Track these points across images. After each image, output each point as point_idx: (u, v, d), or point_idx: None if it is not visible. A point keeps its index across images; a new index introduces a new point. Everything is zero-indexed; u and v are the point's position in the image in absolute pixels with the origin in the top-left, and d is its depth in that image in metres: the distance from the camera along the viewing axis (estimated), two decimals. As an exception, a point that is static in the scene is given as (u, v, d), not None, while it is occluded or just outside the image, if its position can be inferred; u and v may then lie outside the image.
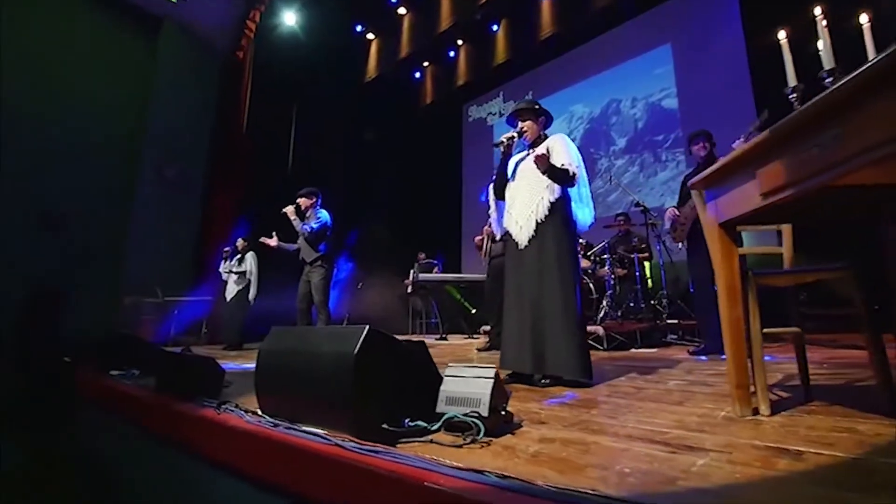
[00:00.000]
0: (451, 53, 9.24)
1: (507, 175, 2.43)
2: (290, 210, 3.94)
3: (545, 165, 2.14)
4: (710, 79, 6.37)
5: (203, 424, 1.52)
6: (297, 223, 3.97)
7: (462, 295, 7.90)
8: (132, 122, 7.15)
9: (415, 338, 7.04)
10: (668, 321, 4.42)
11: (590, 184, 7.85)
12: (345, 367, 1.14)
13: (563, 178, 2.18)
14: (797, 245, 1.84)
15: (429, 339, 6.39)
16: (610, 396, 1.81)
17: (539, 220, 2.19)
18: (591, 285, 4.69)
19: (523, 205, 2.26)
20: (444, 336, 6.37)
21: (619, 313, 4.37)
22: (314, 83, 8.77)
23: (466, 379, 1.31)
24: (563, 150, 2.25)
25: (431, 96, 9.98)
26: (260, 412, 1.45)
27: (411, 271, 7.75)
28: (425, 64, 9.83)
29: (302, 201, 4.08)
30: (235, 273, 5.84)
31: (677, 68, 6.82)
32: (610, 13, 7.36)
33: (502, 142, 2.35)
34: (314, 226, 3.95)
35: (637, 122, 7.19)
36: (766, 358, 2.83)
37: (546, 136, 2.46)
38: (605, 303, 4.39)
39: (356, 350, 1.14)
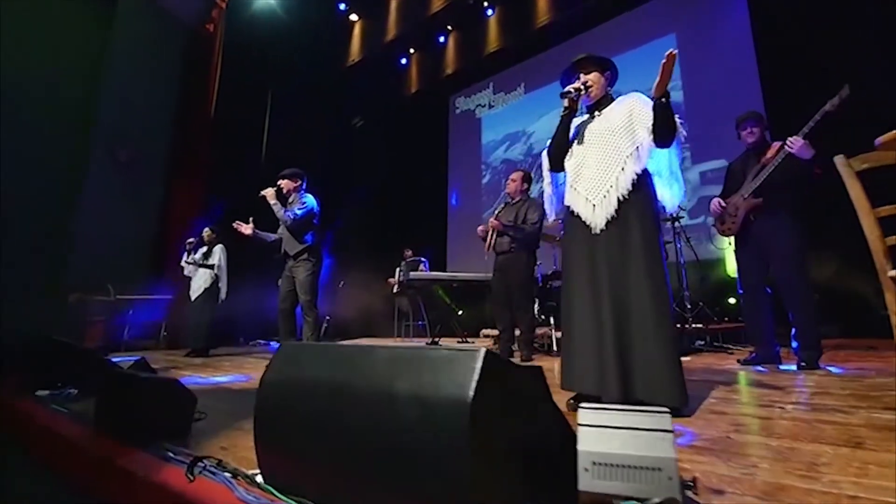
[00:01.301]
0: (441, 39, 8.70)
1: (568, 139, 1.92)
2: (269, 193, 3.32)
3: (666, 87, 1.63)
4: (717, 71, 6.09)
5: (165, 499, 0.94)
6: (277, 209, 3.36)
7: (448, 295, 7.38)
8: (82, 98, 6.28)
9: (402, 342, 6.44)
10: (693, 325, 4.03)
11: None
12: (451, 425, 0.60)
13: (671, 126, 1.68)
14: None
15: (417, 343, 5.85)
16: (740, 433, 1.33)
17: (621, 197, 1.69)
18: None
19: (595, 177, 1.76)
20: (435, 340, 5.83)
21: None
22: (292, 64, 8.06)
23: (623, 432, 0.79)
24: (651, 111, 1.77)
25: (417, 85, 9.41)
26: (262, 480, 0.89)
27: (397, 269, 7.18)
28: (412, 50, 9.26)
29: (284, 184, 3.47)
30: (202, 267, 5.11)
31: (682, 60, 6.52)
32: (611, 1, 7.03)
33: (569, 92, 1.84)
34: (298, 212, 3.34)
35: (638, 116, 6.85)
36: (837, 369, 2.44)
37: (612, 97, 1.98)
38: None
39: (472, 393, 0.60)
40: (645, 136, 1.73)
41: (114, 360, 4.32)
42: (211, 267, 5.11)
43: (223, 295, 5.17)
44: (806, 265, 2.75)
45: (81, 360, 2.26)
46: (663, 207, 1.88)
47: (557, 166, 1.94)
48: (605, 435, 0.80)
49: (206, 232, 5.27)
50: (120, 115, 6.53)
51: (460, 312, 7.64)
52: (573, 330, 1.71)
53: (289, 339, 3.41)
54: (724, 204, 3.03)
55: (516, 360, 3.58)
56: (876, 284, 1.36)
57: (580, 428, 0.83)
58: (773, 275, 2.84)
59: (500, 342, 3.85)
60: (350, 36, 8.81)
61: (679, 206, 4.33)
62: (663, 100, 1.65)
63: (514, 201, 3.93)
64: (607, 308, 1.62)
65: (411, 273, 5.75)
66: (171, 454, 1.14)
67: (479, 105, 9.39)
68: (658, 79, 1.63)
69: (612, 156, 1.75)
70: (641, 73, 6.97)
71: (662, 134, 1.69)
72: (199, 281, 5.11)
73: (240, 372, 3.26)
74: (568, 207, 1.84)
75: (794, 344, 2.73)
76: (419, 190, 9.66)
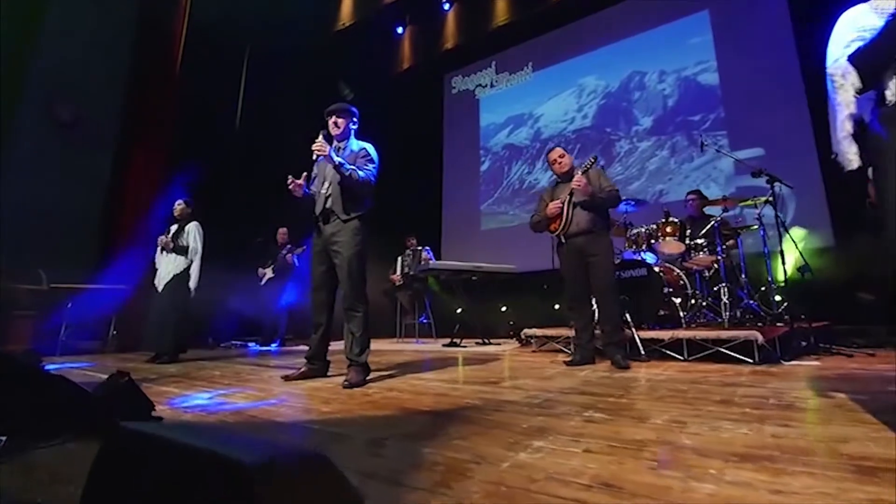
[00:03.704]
0: (446, 6, 7.84)
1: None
2: (324, 147, 2.31)
3: None
4: (753, 51, 5.62)
5: None
6: (347, 169, 2.36)
7: (439, 285, 6.55)
8: (12, 41, 4.97)
9: (402, 342, 5.45)
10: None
11: (608, 167, 6.51)
12: None
13: None
14: None
15: (430, 345, 4.94)
16: None
17: None
18: (682, 276, 3.61)
19: None
20: (455, 341, 4.99)
21: (738, 313, 3.32)
22: (273, 20, 6.93)
23: None
24: None
25: (410, 60, 8.50)
26: None
27: (398, 259, 6.28)
28: (408, 21, 8.35)
29: (339, 122, 2.51)
30: (173, 251, 4.01)
31: (716, 39, 6.04)
32: (638, -27, 6.48)
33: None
34: (372, 170, 2.43)
35: (667, 99, 6.33)
36: None
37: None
38: (725, 299, 3.29)
39: None
40: None
41: (48, 367, 3.16)
42: (185, 250, 4.03)
43: (194, 283, 4.11)
44: None
45: (15, 380, 1.28)
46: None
47: (877, 79, 1.19)
48: None
49: (179, 205, 4.18)
50: (62, 66, 5.26)
51: (459, 310, 6.82)
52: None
53: (321, 347, 2.45)
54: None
55: (605, 366, 2.83)
56: None
57: None
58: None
59: (577, 344, 3.08)
60: (342, -6, 7.78)
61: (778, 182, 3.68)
62: None
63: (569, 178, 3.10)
64: None
65: (430, 264, 4.88)
66: None
67: (480, 85, 8.62)
68: None
69: None
70: (670, 50, 6.48)
71: None
72: (169, 266, 4.02)
73: (251, 387, 2.30)
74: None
75: None
76: (411, 175, 8.74)
